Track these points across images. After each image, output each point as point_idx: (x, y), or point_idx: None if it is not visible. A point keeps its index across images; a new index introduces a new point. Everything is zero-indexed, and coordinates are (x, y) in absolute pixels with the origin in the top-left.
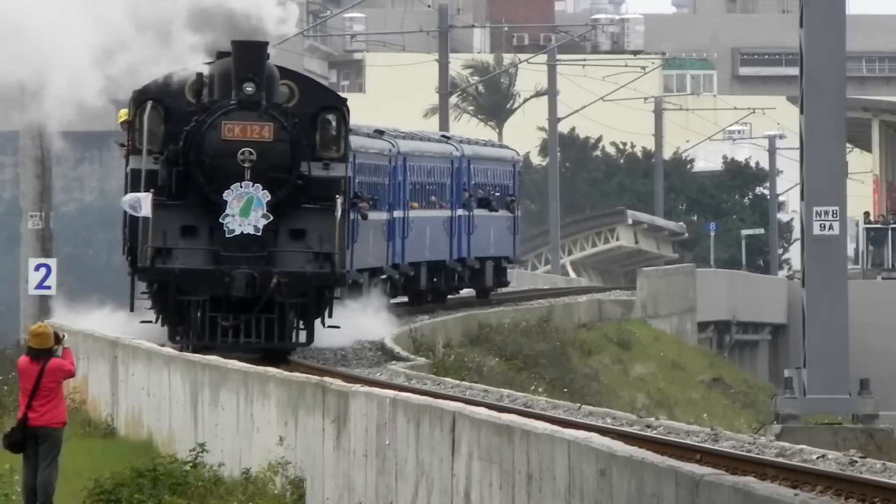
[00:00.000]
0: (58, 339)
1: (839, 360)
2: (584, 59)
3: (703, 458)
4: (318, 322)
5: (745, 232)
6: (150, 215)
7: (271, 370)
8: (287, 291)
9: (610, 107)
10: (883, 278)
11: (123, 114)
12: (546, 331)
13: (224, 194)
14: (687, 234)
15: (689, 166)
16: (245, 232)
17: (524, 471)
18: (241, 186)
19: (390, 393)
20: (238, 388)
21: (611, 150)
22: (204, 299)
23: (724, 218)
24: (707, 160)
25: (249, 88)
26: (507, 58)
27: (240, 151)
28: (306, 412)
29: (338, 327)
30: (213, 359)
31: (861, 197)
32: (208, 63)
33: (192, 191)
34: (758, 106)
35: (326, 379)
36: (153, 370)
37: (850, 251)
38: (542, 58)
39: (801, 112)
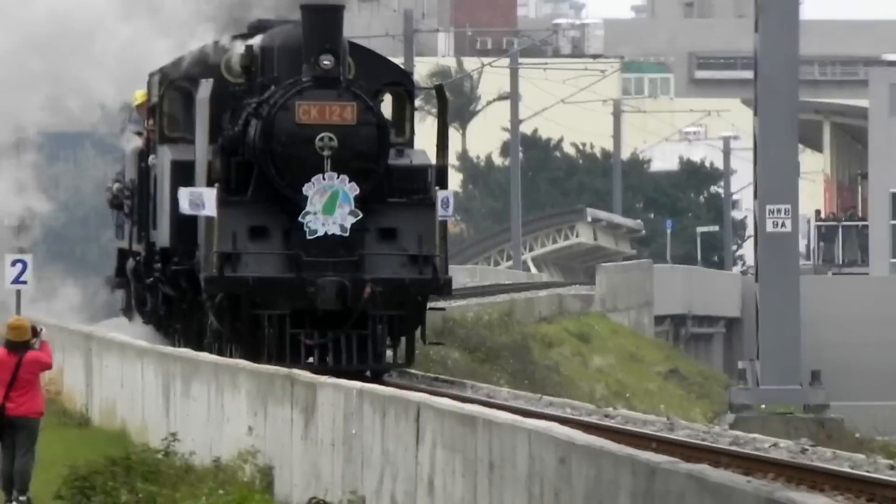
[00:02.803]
0: (35, 333)
1: (791, 353)
2: (546, 63)
3: (660, 447)
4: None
5: (700, 229)
6: (214, 214)
7: (241, 362)
8: (382, 302)
9: (570, 109)
10: (833, 274)
11: (140, 96)
12: (508, 324)
13: (304, 188)
14: (644, 232)
15: (646, 166)
16: (330, 232)
17: (486, 459)
18: (324, 179)
19: (357, 384)
20: (209, 380)
21: (571, 151)
22: (283, 313)
23: (680, 216)
24: (664, 160)
25: (327, 62)
26: (472, 61)
27: (318, 137)
28: (275, 403)
29: (442, 343)
30: (185, 351)
31: (812, 195)
32: (238, 36)
33: (259, 184)
34: (713, 108)
35: (294, 371)
36: (126, 362)
37: (802, 247)
38: (505, 61)
39: (755, 114)
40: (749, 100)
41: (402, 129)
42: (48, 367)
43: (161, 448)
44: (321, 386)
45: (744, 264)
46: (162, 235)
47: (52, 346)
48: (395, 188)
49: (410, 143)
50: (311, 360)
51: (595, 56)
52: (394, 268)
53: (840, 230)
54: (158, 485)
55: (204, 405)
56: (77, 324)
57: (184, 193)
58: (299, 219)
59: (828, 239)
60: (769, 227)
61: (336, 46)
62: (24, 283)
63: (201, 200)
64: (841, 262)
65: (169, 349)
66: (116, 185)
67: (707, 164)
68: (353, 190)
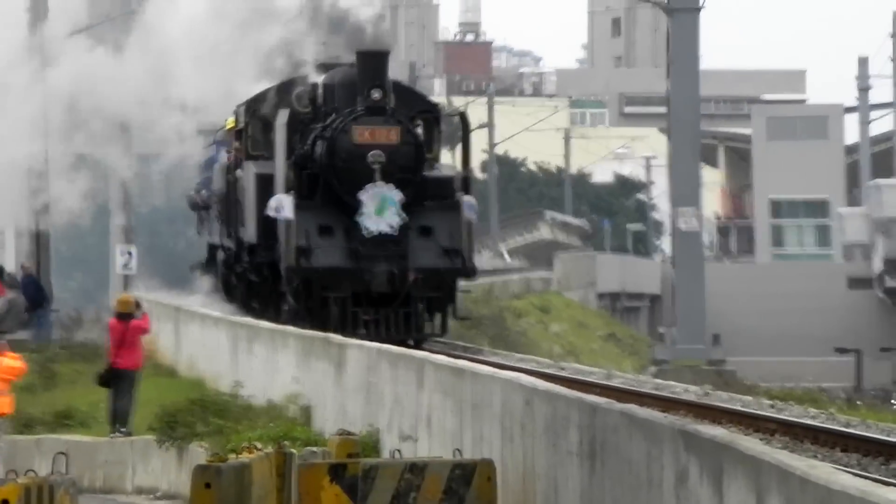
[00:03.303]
0: (138, 306)
1: (698, 320)
2: (514, 101)
3: (600, 392)
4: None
5: (630, 227)
6: (292, 217)
7: (290, 328)
8: (423, 286)
9: (532, 136)
10: (729, 261)
11: (230, 122)
12: (489, 300)
13: (359, 194)
14: (589, 229)
15: (589, 179)
16: (381, 230)
17: (470, 401)
18: (375, 187)
19: (376, 345)
20: (266, 341)
21: (533, 168)
22: (345, 295)
23: (614, 217)
24: (602, 174)
25: (377, 94)
26: (459, 99)
27: (370, 154)
28: (315, 358)
29: (469, 318)
30: (248, 320)
31: (711, 202)
32: (305, 76)
33: (324, 192)
34: (638, 135)
35: (330, 335)
36: (205, 328)
37: (706, 241)
38: (483, 100)
39: (669, 139)
40: (664, 129)
41: (431, 147)
42: (147, 332)
43: (229, 392)
44: (349, 346)
45: (663, 254)
46: (248, 233)
47: (151, 316)
48: (428, 194)
49: (437, 159)
50: (366, 331)
51: (550, 96)
52: (431, 258)
53: (733, 228)
54: (226, 419)
55: (261, 360)
56: (169, 299)
57: (272, 201)
58: (356, 218)
59: (724, 235)
60: (681, 226)
61: (383, 82)
62: (131, 269)
63: (282, 205)
64: (734, 252)
65: (237, 318)
66: (204, 192)
67: (634, 177)
68: (397, 196)
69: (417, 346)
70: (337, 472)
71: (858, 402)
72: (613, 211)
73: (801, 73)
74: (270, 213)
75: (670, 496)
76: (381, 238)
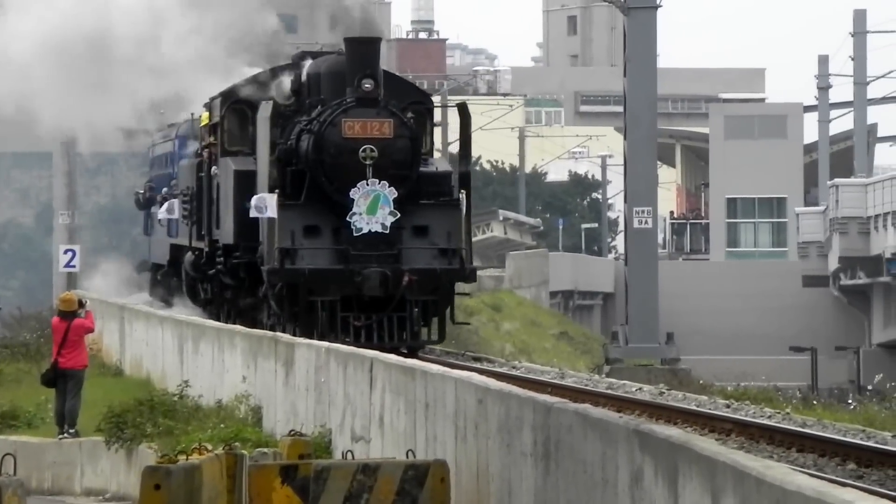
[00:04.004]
0: (81, 304)
1: (652, 319)
2: (468, 100)
3: (553, 391)
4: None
5: (584, 226)
6: (275, 216)
7: (237, 327)
8: (418, 289)
9: (487, 134)
10: (683, 259)
11: (205, 116)
12: None
13: (350, 192)
14: (542, 227)
15: (543, 178)
16: (373, 230)
17: (423, 400)
18: (368, 184)
19: (325, 344)
20: (213, 340)
21: (487, 166)
22: (334, 299)
23: (568, 215)
24: (556, 173)
25: (368, 85)
26: None
27: (361, 149)
28: (263, 358)
29: (468, 324)
30: (194, 318)
31: (667, 200)
32: (284, 66)
33: (311, 190)
34: (593, 134)
35: (278, 333)
36: (150, 327)
37: (660, 239)
38: (437, 98)
39: (625, 138)
40: (620, 127)
41: (423, 141)
42: (91, 330)
43: (176, 392)
44: (298, 345)
45: (616, 252)
46: (225, 233)
47: (95, 315)
48: (423, 191)
49: (430, 153)
50: (357, 338)
51: (505, 94)
52: (427, 259)
53: (688, 227)
54: (175, 420)
55: (209, 359)
56: (113, 297)
57: (254, 200)
58: (347, 218)
59: (679, 233)
60: (635, 224)
61: (375, 72)
62: (74, 267)
63: (264, 204)
64: (688, 251)
65: (183, 317)
66: (165, 190)
67: (589, 176)
68: (391, 193)
69: (412, 354)
70: (288, 473)
71: (814, 402)
72: (568, 210)
73: (760, 72)
74: (252, 212)
75: (625, 496)
76: (373, 238)
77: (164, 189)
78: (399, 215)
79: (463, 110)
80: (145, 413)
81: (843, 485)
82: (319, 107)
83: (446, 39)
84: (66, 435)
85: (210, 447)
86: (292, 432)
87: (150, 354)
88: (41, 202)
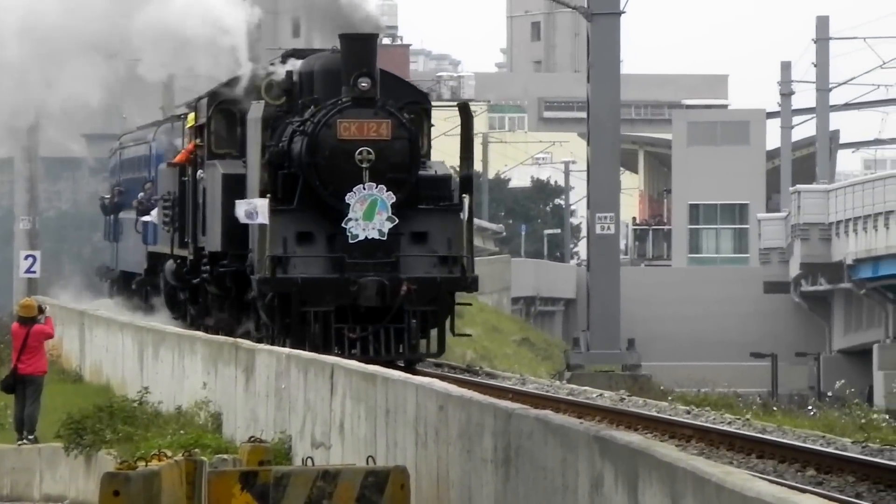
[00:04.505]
0: (41, 310)
1: (613, 325)
2: (432, 105)
3: (514, 397)
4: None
5: (546, 232)
6: (266, 222)
7: (198, 333)
8: (417, 299)
9: (451, 139)
10: (645, 265)
11: (191, 118)
12: None
13: (346, 197)
14: (505, 233)
15: (506, 183)
16: (370, 237)
17: (383, 406)
18: (364, 188)
19: (286, 350)
20: (173, 347)
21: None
22: (329, 310)
23: (531, 221)
24: (520, 179)
25: (364, 84)
26: None
27: (357, 151)
28: (224, 364)
29: (469, 335)
30: (155, 324)
31: (630, 206)
32: (274, 63)
33: (304, 195)
34: (557, 140)
35: (238, 339)
36: (110, 333)
37: (622, 245)
38: None
39: (588, 144)
40: (583, 133)
41: (424, 143)
42: (51, 336)
43: (136, 398)
44: (258, 351)
45: (579, 258)
46: (212, 241)
47: (54, 321)
48: (422, 196)
49: (427, 156)
50: (353, 351)
51: (468, 100)
52: (426, 268)
53: (650, 232)
54: (134, 426)
55: (169, 366)
56: (74, 303)
57: (240, 204)
58: (342, 224)
59: (641, 239)
60: (598, 230)
61: (372, 70)
62: (34, 272)
63: (255, 210)
64: (651, 257)
65: (143, 323)
66: (141, 195)
67: (552, 182)
68: (389, 198)
69: (409, 368)
70: (248, 479)
71: (774, 408)
72: (531, 216)
73: (723, 78)
74: (242, 218)
75: (585, 502)
76: (370, 245)
77: (140, 194)
78: (397, 221)
79: (464, 110)
80: (105, 419)
81: (803, 491)
82: (313, 107)
83: (410, 45)
84: (25, 441)
85: (169, 453)
86: (252, 438)
87: (110, 360)
88: (2, 207)
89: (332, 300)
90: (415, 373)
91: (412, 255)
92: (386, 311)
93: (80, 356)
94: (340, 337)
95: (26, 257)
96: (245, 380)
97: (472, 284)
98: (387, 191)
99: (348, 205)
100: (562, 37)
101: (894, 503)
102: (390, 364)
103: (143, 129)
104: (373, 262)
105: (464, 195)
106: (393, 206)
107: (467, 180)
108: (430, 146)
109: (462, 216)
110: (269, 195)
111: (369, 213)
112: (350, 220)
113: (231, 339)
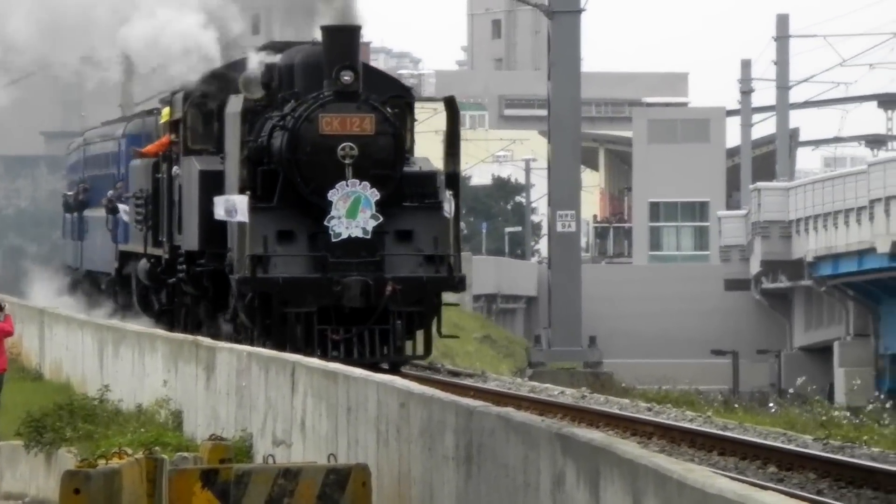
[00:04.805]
0: (0, 308)
1: (574, 322)
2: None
3: (476, 394)
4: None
5: (507, 229)
6: (246, 220)
7: (158, 331)
8: (402, 299)
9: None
10: (606, 263)
11: (166, 113)
12: None
13: (328, 194)
14: (466, 231)
15: (467, 181)
16: (353, 235)
17: (345, 404)
18: (347, 185)
19: (247, 348)
20: (133, 345)
21: None
22: (311, 311)
23: (492, 219)
24: (480, 177)
25: (347, 77)
26: None
27: (340, 147)
28: (184, 362)
29: (456, 337)
30: (114, 322)
31: (590, 204)
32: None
33: (284, 192)
34: (517, 137)
35: (199, 337)
36: (70, 331)
37: (583, 243)
38: None
39: (549, 142)
40: (544, 131)
41: (407, 139)
42: (10, 334)
43: (97, 396)
44: (219, 349)
45: (540, 256)
46: (189, 239)
47: (14, 318)
48: (407, 193)
49: (411, 151)
50: (336, 353)
51: (429, 98)
52: (411, 267)
53: (611, 230)
54: (95, 424)
55: (129, 363)
56: (33, 301)
57: (219, 201)
58: (325, 222)
59: (602, 237)
60: (559, 228)
61: (355, 63)
62: None
63: (234, 207)
64: (611, 254)
65: (103, 321)
66: (111, 193)
67: (513, 179)
68: (373, 195)
69: (394, 371)
70: (209, 477)
71: (735, 405)
72: (492, 213)
73: (684, 76)
74: (220, 216)
75: (547, 499)
76: (353, 244)
77: (110, 192)
78: (381, 219)
79: (450, 105)
80: (65, 417)
81: (765, 488)
82: (293, 101)
83: (370, 43)
84: None
85: (130, 451)
86: (213, 437)
87: (70, 358)
88: None
89: (314, 301)
90: (400, 375)
91: (397, 254)
92: (370, 311)
93: (39, 354)
94: (323, 339)
95: None
96: (206, 378)
97: (459, 284)
98: (371, 187)
99: (331, 202)
100: (522, 34)
101: (855, 500)
102: (375, 367)
103: (109, 125)
104: (356, 261)
105: (450, 192)
106: (377, 203)
107: (453, 177)
108: (413, 141)
109: (448, 214)
110: (248, 192)
111: (353, 210)
112: (333, 217)
113: (192, 337)
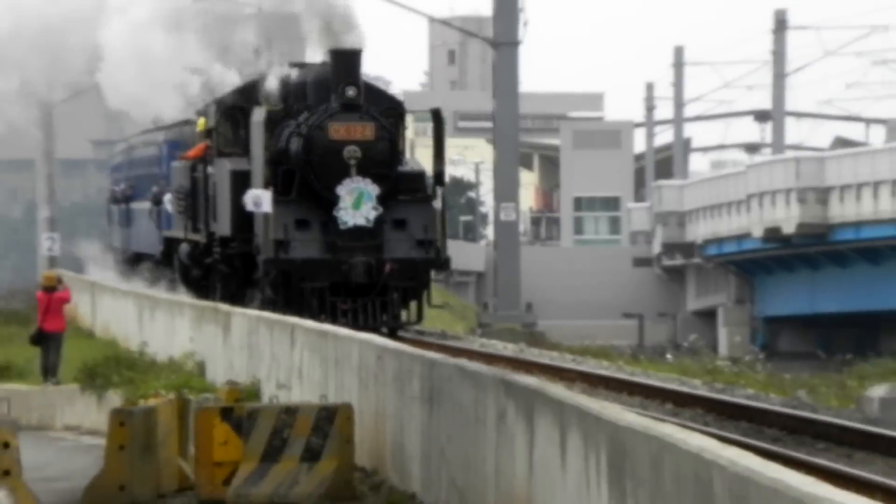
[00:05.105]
0: (60, 281)
1: (514, 292)
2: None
3: (437, 349)
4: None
5: (461, 218)
6: (270, 211)
7: (185, 299)
8: (398, 276)
9: None
10: (539, 245)
11: (202, 123)
12: None
13: (337, 189)
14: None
15: None
16: (358, 223)
17: (333, 357)
18: (352, 181)
19: (256, 312)
20: (166, 310)
21: None
22: (323, 286)
23: (449, 210)
24: None
25: (351, 92)
26: None
27: (346, 150)
28: (206, 323)
29: (442, 307)
30: (151, 291)
31: (527, 198)
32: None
33: (301, 187)
34: (469, 145)
35: (219, 304)
36: (115, 299)
37: (521, 229)
38: None
39: (494, 148)
40: (490, 140)
41: (399, 143)
42: (68, 301)
43: (137, 350)
44: (234, 314)
45: (487, 239)
46: (222, 226)
47: (71, 289)
48: (401, 189)
49: (403, 153)
50: (344, 320)
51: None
52: (406, 250)
53: (543, 219)
54: (135, 372)
55: (162, 324)
56: (86, 275)
57: (249, 195)
58: (334, 213)
59: (536, 224)
60: (502, 217)
61: (357, 80)
62: (54, 251)
63: (260, 200)
64: (544, 238)
65: (142, 290)
66: (155, 188)
67: (465, 178)
68: (374, 190)
69: (393, 335)
70: (226, 413)
71: (641, 357)
72: (449, 205)
73: (601, 95)
74: (249, 207)
75: (492, 431)
76: (358, 231)
77: (154, 188)
78: (381, 210)
79: (436, 115)
80: (112, 366)
81: (664, 421)
82: (306, 112)
83: None
84: (49, 383)
85: (164, 393)
86: (229, 382)
87: (115, 320)
88: (27, 199)
89: (326, 277)
90: (396, 339)
91: (394, 239)
92: (372, 286)
93: (91, 317)
94: (334, 309)
95: (47, 238)
96: (223, 336)
97: (444, 264)
98: (372, 184)
99: (339, 196)
100: (472, 62)
101: (734, 430)
102: (376, 331)
103: (151, 133)
104: (361, 245)
105: (439, 187)
106: (377, 197)
107: (440, 175)
108: (404, 146)
109: (436, 206)
110: (271, 187)
111: (357, 203)
112: (340, 209)
113: (213, 304)
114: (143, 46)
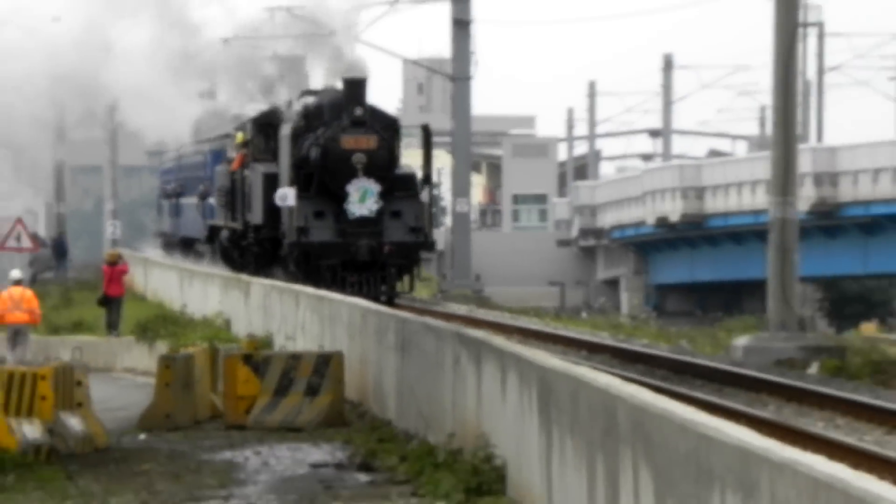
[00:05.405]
0: (120, 257)
1: (467, 266)
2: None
3: (408, 309)
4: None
5: None
6: (294, 204)
7: (216, 270)
8: (395, 255)
9: None
10: (486, 231)
11: (240, 136)
12: None
13: (346, 187)
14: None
15: None
16: (363, 214)
17: (328, 315)
18: (359, 181)
19: (269, 282)
20: (201, 279)
21: None
22: (336, 263)
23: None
24: None
25: (359, 111)
26: None
27: (354, 156)
28: (231, 289)
29: (430, 279)
30: (189, 265)
31: (476, 195)
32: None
33: (319, 186)
34: (434, 155)
35: (241, 275)
36: (162, 271)
37: (473, 218)
38: None
39: (452, 157)
40: (450, 151)
41: (395, 152)
42: (126, 273)
43: (179, 311)
44: (252, 283)
45: (447, 226)
46: (255, 216)
47: (129, 263)
48: (396, 187)
49: (398, 159)
50: (351, 290)
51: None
52: (401, 235)
53: (490, 210)
54: (178, 327)
55: (198, 290)
56: (141, 253)
57: (278, 193)
58: (344, 206)
59: (484, 214)
60: (458, 209)
61: (363, 102)
62: (116, 234)
63: (286, 196)
64: (489, 225)
65: (183, 264)
66: (201, 187)
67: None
68: (376, 188)
69: (391, 302)
70: (247, 359)
71: (562, 315)
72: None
73: (533, 118)
74: (278, 202)
75: (450, 372)
76: (363, 220)
77: (200, 186)
78: (381, 203)
79: (426, 130)
80: (160, 323)
81: (579, 364)
82: (323, 127)
83: None
84: (112, 336)
85: (199, 343)
86: (249, 335)
87: (162, 288)
88: (96, 196)
89: (338, 256)
90: (393, 305)
91: (392, 226)
92: (374, 264)
93: (144, 285)
94: (343, 281)
95: (110, 226)
96: (245, 299)
97: (431, 246)
98: (374, 183)
99: (348, 193)
100: (437, 92)
101: (633, 370)
102: (377, 299)
103: (198, 143)
104: (365, 231)
105: (426, 186)
106: (378, 193)
107: (427, 178)
108: (399, 154)
109: (424, 200)
110: (295, 186)
111: (362, 198)
112: (349, 203)
113: (235, 275)
114: (152, 87)
